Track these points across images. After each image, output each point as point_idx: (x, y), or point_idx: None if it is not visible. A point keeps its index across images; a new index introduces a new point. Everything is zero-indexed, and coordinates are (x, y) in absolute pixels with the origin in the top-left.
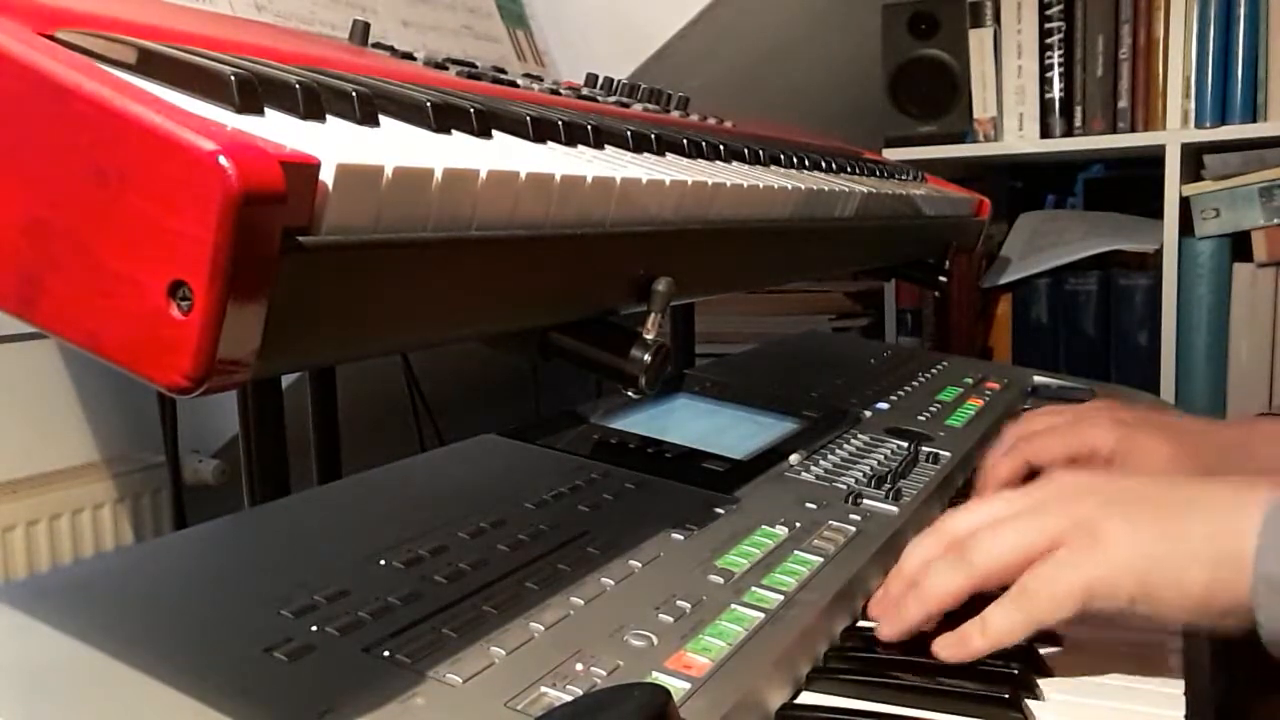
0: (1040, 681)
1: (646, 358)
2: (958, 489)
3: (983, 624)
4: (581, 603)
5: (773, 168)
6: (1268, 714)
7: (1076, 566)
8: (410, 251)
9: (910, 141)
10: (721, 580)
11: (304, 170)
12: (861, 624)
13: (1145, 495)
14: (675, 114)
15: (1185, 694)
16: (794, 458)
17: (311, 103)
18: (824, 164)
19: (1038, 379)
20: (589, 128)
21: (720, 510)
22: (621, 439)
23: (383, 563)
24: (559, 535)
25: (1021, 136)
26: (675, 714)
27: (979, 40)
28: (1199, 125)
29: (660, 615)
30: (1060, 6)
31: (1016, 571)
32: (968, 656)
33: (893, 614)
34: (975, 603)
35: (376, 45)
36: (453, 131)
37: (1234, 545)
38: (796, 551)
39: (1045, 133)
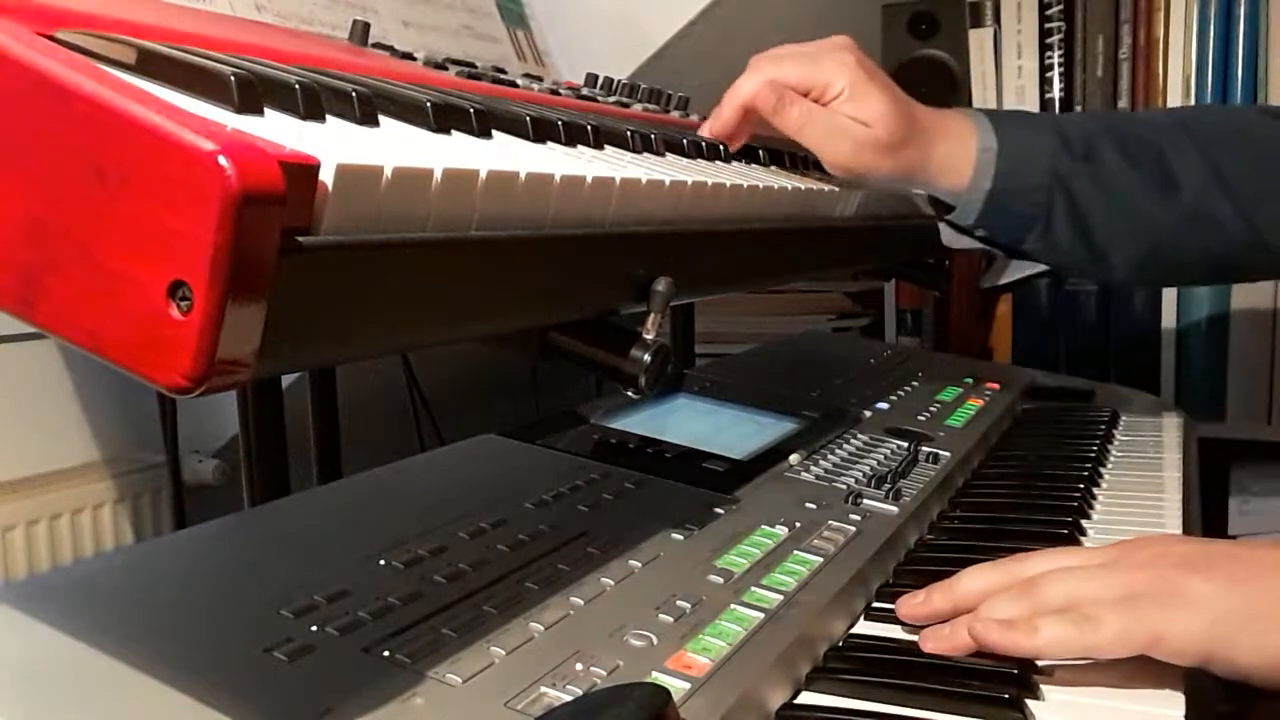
0: (1040, 681)
1: (646, 358)
2: (958, 489)
3: (1033, 628)
4: (581, 603)
5: (773, 168)
6: (1267, 715)
7: (1150, 614)
8: (410, 251)
9: None
10: (721, 580)
11: (304, 170)
12: (862, 626)
13: (1226, 557)
14: (675, 114)
15: (1185, 694)
16: (794, 458)
17: (311, 103)
18: None
19: (1038, 379)
20: (589, 128)
21: (720, 510)
22: (621, 439)
23: (383, 563)
24: (559, 535)
25: None
26: (675, 714)
27: (979, 40)
28: None
29: (660, 615)
30: (1060, 6)
31: None
32: (1010, 650)
33: (942, 634)
34: None
35: (376, 45)
36: (453, 131)
37: None
38: (796, 551)
39: None
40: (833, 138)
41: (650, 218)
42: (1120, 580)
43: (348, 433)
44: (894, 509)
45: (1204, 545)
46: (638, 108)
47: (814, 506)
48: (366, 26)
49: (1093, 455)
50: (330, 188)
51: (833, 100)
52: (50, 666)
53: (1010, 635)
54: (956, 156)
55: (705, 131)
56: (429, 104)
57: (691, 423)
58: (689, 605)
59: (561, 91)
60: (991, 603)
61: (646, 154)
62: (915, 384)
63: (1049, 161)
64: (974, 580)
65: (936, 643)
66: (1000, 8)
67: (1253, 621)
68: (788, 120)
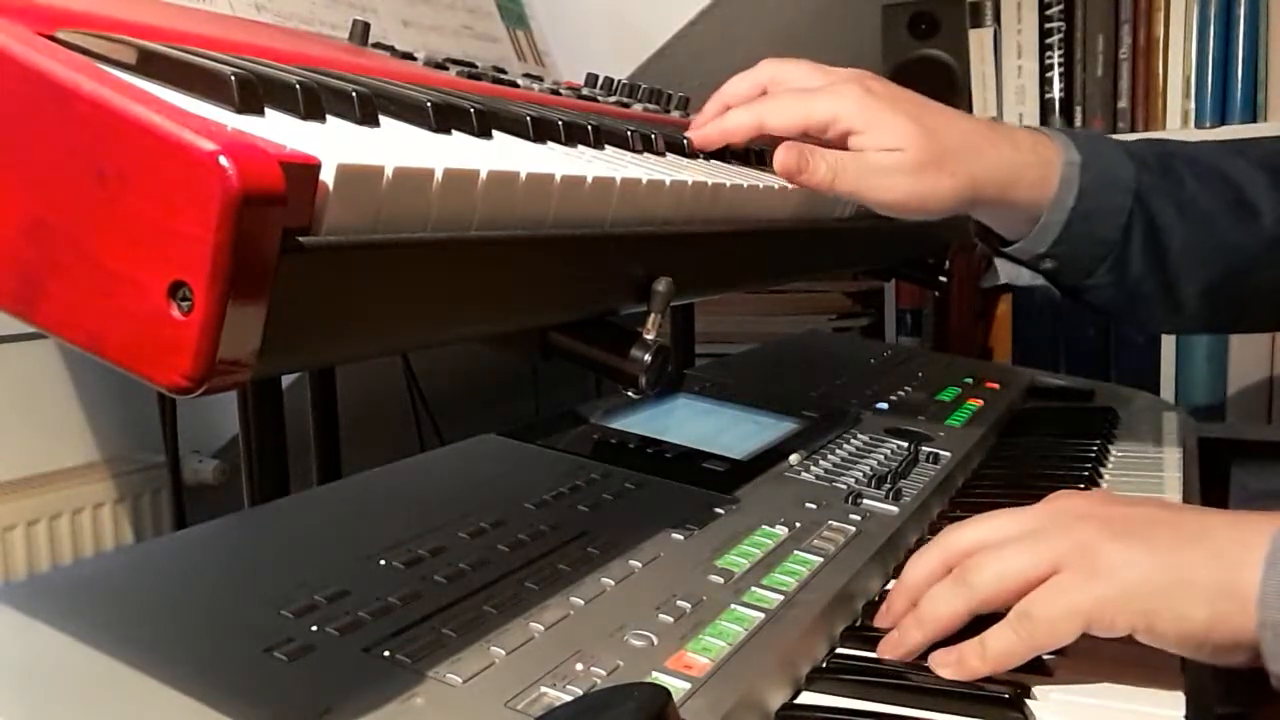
0: (1040, 682)
1: (647, 358)
2: (958, 489)
3: (982, 646)
4: (581, 603)
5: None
6: (1269, 717)
7: (1075, 594)
8: (410, 251)
9: None
10: (721, 580)
11: (304, 170)
12: (862, 625)
13: (1148, 523)
14: (675, 114)
15: (1185, 695)
16: (794, 458)
17: (312, 103)
18: None
19: (1038, 379)
20: (589, 128)
21: (720, 510)
22: (621, 439)
23: (383, 563)
24: (559, 535)
25: None
26: (675, 714)
27: (979, 40)
28: (1199, 125)
29: (660, 615)
30: (1060, 6)
31: (1015, 596)
32: (966, 676)
33: (895, 638)
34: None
35: (376, 45)
36: (453, 131)
37: (1236, 579)
38: (796, 551)
39: None
40: (870, 178)
41: (650, 218)
42: (1044, 550)
43: (348, 433)
44: (894, 509)
45: (1131, 508)
46: (638, 108)
47: (814, 506)
48: (366, 26)
49: (1093, 455)
50: (331, 188)
51: (850, 138)
52: (50, 666)
53: (964, 666)
54: (1034, 168)
55: (689, 133)
56: (429, 104)
57: (691, 423)
58: (689, 605)
59: (561, 91)
60: (929, 597)
61: (647, 154)
62: (915, 384)
63: (1132, 179)
64: (916, 569)
65: (893, 651)
66: (1000, 8)
67: (1171, 592)
68: (815, 178)
